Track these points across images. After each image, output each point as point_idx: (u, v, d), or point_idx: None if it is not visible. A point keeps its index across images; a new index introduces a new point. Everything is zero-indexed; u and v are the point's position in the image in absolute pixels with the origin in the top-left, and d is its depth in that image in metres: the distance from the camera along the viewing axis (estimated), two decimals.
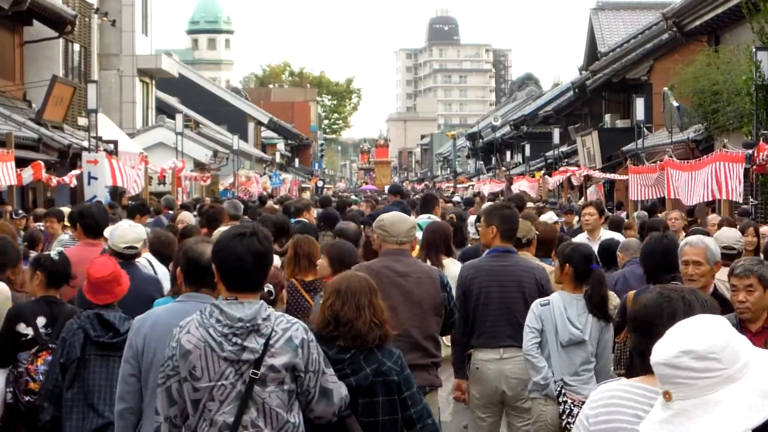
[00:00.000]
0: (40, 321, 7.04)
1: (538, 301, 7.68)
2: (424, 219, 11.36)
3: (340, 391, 4.98)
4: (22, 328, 7.02)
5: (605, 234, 12.51)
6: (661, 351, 3.09)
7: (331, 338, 5.30)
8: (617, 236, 12.11)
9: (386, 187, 56.03)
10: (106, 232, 8.71)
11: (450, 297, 7.35)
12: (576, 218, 16.69)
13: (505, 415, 8.31)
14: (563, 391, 7.49)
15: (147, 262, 8.52)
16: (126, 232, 8.15)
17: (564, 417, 7.45)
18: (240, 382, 4.65)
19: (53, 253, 7.39)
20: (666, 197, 20.37)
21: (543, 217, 14.05)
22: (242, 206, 15.66)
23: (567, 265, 7.54)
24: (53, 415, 6.51)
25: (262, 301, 4.77)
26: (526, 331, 7.60)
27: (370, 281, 5.58)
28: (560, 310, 7.51)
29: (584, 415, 3.80)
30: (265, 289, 6.50)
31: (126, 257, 7.82)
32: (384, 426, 5.36)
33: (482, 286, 8.05)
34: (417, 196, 41.27)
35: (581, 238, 11.97)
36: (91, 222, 9.24)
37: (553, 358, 7.57)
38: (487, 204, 17.23)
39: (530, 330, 7.58)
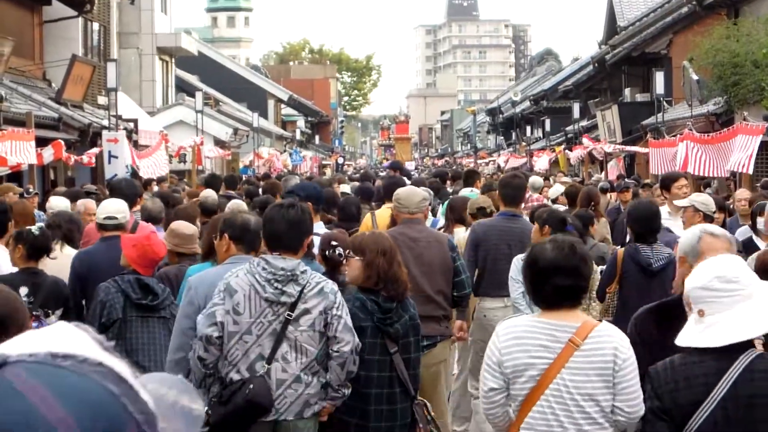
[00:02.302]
0: (23, 291, 7.44)
1: (520, 255, 8.47)
2: (467, 192, 12.09)
3: (356, 335, 5.77)
4: None
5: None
6: (697, 278, 3.99)
7: (374, 290, 6.16)
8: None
9: (407, 164, 56.08)
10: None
11: (456, 257, 8.34)
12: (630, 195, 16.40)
13: None
14: None
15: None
16: (106, 204, 8.73)
17: None
18: (276, 321, 5.61)
19: (34, 228, 7.82)
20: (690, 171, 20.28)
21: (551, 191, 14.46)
22: (298, 180, 16.68)
23: (546, 226, 8.45)
24: None
25: (300, 260, 5.75)
26: (511, 283, 8.48)
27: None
28: None
29: (495, 346, 4.66)
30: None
31: (107, 228, 8.34)
32: (414, 362, 6.32)
33: (493, 242, 9.12)
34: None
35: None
36: (118, 196, 9.82)
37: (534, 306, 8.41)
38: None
39: (515, 281, 8.44)
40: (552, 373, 4.51)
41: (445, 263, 8.19)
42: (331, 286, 5.77)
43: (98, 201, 12.29)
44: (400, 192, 8.66)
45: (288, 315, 5.61)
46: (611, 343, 4.55)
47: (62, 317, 7.53)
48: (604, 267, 8.88)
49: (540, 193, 17.30)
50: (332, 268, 7.13)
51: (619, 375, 4.53)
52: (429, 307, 8.01)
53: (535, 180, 17.98)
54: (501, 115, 70.09)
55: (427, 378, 7.85)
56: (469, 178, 14.87)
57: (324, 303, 5.66)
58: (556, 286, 4.60)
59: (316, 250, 7.44)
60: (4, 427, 1.11)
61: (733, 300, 3.90)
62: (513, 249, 8.99)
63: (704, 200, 9.43)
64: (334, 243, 7.22)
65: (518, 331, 4.62)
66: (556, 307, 4.63)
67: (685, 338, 3.99)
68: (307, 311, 5.64)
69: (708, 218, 9.12)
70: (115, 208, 8.50)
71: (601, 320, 8.14)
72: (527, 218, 10.14)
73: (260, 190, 16.22)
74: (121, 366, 1.23)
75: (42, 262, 7.81)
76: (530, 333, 4.60)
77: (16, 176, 18.96)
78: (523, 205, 11.22)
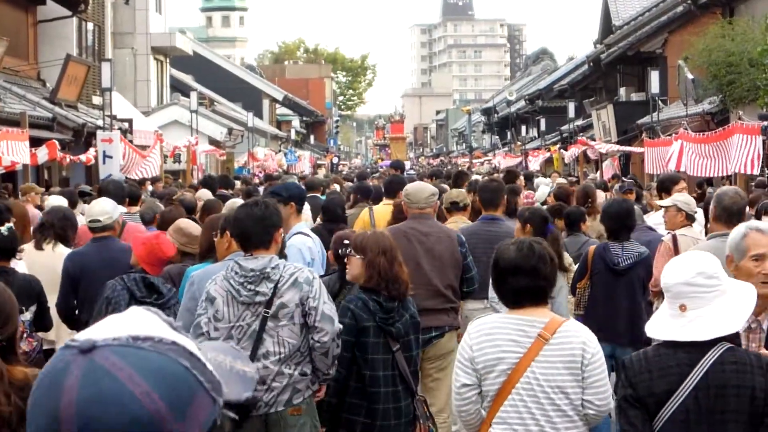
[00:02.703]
0: None
1: None
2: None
3: (336, 321, 5.87)
4: None
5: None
6: (680, 274, 4.11)
7: (376, 290, 6.24)
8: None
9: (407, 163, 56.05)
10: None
11: (466, 254, 8.44)
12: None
13: None
14: None
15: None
16: (90, 207, 8.88)
17: None
18: (255, 322, 5.75)
19: (3, 228, 7.82)
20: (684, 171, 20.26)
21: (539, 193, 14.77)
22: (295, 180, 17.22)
23: (528, 225, 8.65)
24: None
25: (272, 255, 5.86)
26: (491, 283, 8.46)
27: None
28: None
29: (467, 344, 4.78)
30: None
31: (94, 230, 8.49)
32: (415, 359, 6.49)
33: (472, 245, 8.95)
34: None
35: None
36: (105, 196, 9.87)
37: None
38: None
39: None
40: (522, 367, 4.65)
41: (455, 258, 8.36)
42: (306, 275, 5.85)
43: None
44: (409, 187, 8.86)
45: (265, 312, 5.75)
46: (579, 338, 4.72)
47: (36, 313, 7.58)
48: None
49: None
50: (344, 267, 7.20)
51: (587, 369, 4.69)
52: (438, 300, 8.25)
53: (539, 181, 18.62)
54: (496, 115, 70.13)
55: (434, 369, 8.22)
56: (459, 179, 15.51)
57: (299, 294, 5.75)
58: (514, 286, 4.78)
59: (289, 251, 7.63)
60: (101, 402, 1.38)
61: (713, 295, 4.10)
62: (493, 252, 9.04)
63: (686, 200, 9.42)
64: (346, 242, 7.29)
65: (488, 328, 4.77)
66: (518, 305, 4.79)
67: (666, 332, 4.15)
68: (283, 305, 5.75)
69: (690, 218, 9.17)
70: (98, 209, 8.60)
71: (574, 313, 8.52)
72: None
73: (262, 191, 16.43)
74: (190, 343, 1.49)
75: (13, 261, 7.80)
76: (500, 329, 4.74)
77: (10, 176, 18.92)
78: (517, 205, 11.45)
